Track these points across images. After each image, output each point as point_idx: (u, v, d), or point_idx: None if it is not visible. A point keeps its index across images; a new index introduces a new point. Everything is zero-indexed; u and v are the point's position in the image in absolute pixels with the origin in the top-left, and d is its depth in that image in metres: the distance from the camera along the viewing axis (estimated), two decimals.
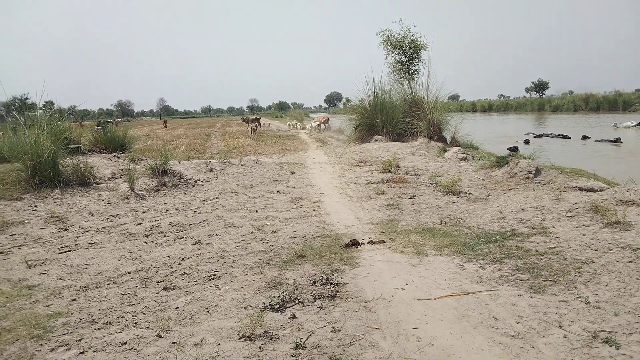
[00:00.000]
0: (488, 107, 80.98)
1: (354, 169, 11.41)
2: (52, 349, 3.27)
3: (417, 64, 18.01)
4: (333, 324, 3.47)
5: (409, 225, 6.28)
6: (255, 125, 28.49)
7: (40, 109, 11.52)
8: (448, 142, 14.61)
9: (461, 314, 3.60)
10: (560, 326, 3.32)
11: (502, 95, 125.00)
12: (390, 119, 15.55)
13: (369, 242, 5.48)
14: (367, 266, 4.72)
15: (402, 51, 17.96)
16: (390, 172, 10.23)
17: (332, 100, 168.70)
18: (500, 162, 9.62)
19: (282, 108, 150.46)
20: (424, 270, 4.59)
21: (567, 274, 4.24)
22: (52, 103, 13.54)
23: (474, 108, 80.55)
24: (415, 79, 17.79)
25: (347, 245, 5.37)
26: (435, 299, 3.91)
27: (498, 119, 52.64)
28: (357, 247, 5.32)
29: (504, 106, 79.15)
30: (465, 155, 11.78)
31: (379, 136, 15.68)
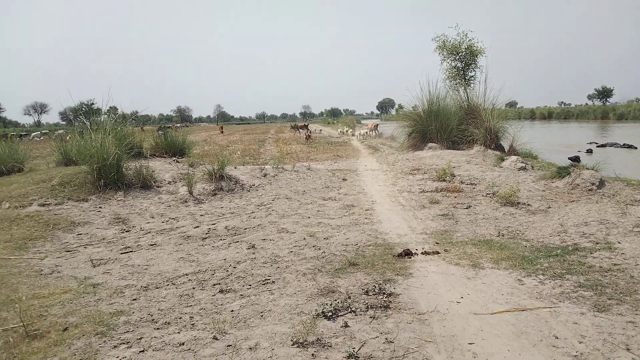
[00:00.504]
0: (548, 115, 77.77)
1: (407, 177, 11.28)
2: (115, 346, 3.42)
3: (474, 70, 17.66)
4: (386, 335, 3.44)
5: (465, 236, 6.14)
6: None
7: (105, 114, 12.11)
8: (506, 150, 14.18)
9: (519, 331, 3.48)
10: (628, 349, 3.14)
11: (562, 102, 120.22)
12: (445, 126, 15.27)
13: (422, 253, 5.40)
14: (421, 277, 4.65)
15: (458, 57, 17.66)
16: (444, 180, 10.05)
17: (385, 106, 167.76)
18: (562, 172, 9.24)
19: (334, 114, 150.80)
20: (481, 283, 4.47)
21: (635, 293, 4.01)
22: (115, 108, 14.19)
23: (532, 116, 77.65)
24: (472, 85, 17.44)
25: (400, 255, 5.31)
26: (492, 314, 3.80)
27: (558, 128, 50.52)
28: (410, 258, 5.26)
29: (565, 114, 75.75)
30: (524, 164, 11.39)
31: (433, 144, 15.44)
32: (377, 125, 31.28)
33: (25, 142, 18.33)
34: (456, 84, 17.73)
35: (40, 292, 4.56)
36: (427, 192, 9.14)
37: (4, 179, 10.52)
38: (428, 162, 13.06)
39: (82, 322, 3.86)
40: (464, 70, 17.73)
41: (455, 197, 8.55)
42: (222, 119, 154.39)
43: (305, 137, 26.21)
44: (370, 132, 29.11)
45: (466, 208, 7.67)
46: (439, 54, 17.95)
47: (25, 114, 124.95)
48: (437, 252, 5.41)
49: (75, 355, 3.29)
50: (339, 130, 37.24)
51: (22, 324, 3.68)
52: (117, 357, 3.26)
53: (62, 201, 8.31)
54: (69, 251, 6.06)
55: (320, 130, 40.06)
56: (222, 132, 42.37)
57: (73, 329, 3.71)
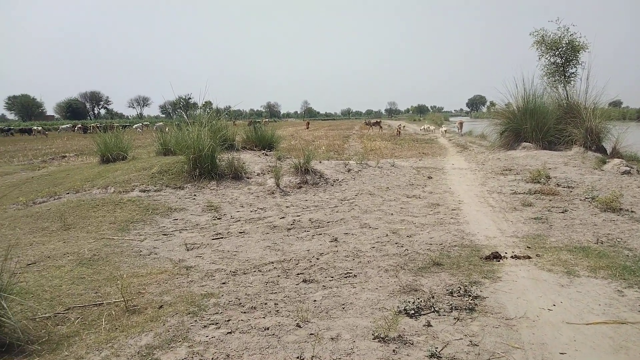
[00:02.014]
0: None
1: (498, 177, 10.81)
2: (205, 326, 3.62)
3: (575, 67, 16.52)
4: (470, 338, 3.34)
5: (559, 241, 5.77)
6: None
7: (200, 108, 12.79)
8: (608, 153, 13.15)
9: (618, 345, 3.23)
10: None
11: None
12: (541, 125, 14.44)
13: (512, 257, 5.15)
14: (510, 282, 4.45)
15: (557, 53, 16.61)
16: (538, 182, 9.51)
17: (475, 103, 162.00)
18: None
19: (420, 111, 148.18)
20: (575, 292, 4.19)
21: None
22: (210, 103, 14.92)
23: (639, 116, 70.75)
24: (572, 82, 16.33)
25: (487, 258, 5.11)
26: (587, 324, 3.55)
27: None
28: (499, 261, 5.04)
29: None
30: (628, 168, 10.49)
31: (527, 143, 14.67)
32: (462, 123, 30.69)
33: (127, 132, 19.82)
34: (554, 81, 16.72)
35: (139, 271, 4.93)
36: (519, 193, 8.70)
37: (109, 165, 11.48)
38: (521, 162, 12.43)
39: (175, 301, 4.12)
40: (563, 67, 16.65)
41: (550, 200, 8.06)
42: (309, 114, 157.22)
43: (396, 133, 26.48)
44: (458, 130, 28.68)
45: (562, 212, 7.20)
46: (537, 49, 16.99)
47: (129, 107, 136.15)
48: (528, 257, 5.14)
49: (169, 331, 3.52)
50: (421, 127, 36.92)
51: (123, 299, 4.01)
52: (207, 336, 3.44)
53: (161, 188, 8.91)
54: (165, 235, 6.48)
55: (404, 126, 39.51)
56: (307, 127, 43.27)
57: (167, 307, 3.98)
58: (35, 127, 49.55)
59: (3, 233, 6.53)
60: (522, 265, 4.90)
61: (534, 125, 14.53)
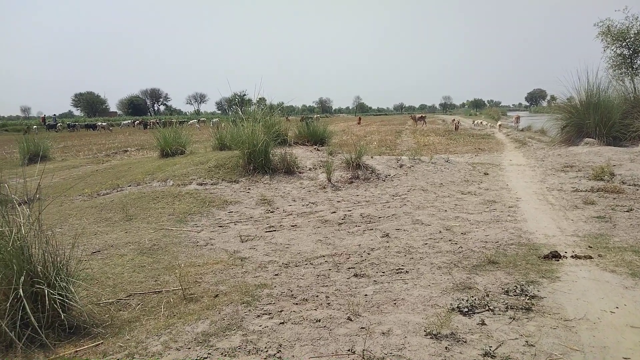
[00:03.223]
0: None
1: (558, 174, 10.38)
2: (258, 316, 3.72)
3: None
4: (527, 338, 3.24)
5: (624, 242, 5.47)
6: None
7: (255, 104, 13.01)
8: None
9: None
10: None
11: None
12: (606, 119, 13.70)
13: (572, 256, 4.95)
14: (569, 282, 4.27)
15: (625, 43, 15.72)
16: (602, 180, 9.05)
17: (535, 97, 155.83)
18: None
19: (476, 106, 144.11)
20: None
21: None
22: (264, 99, 15.17)
23: None
24: None
25: (546, 257, 4.93)
26: None
27: None
28: (558, 260, 4.85)
29: None
30: None
31: (590, 139, 13.97)
32: (519, 117, 29.97)
33: (185, 128, 20.55)
34: (621, 74, 15.84)
35: (196, 261, 5.12)
36: (581, 191, 8.31)
37: (169, 160, 11.93)
38: (583, 158, 11.88)
39: (230, 290, 4.25)
40: (631, 59, 15.76)
41: (614, 198, 7.65)
42: (361, 110, 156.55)
43: (454, 128, 26.33)
44: (515, 124, 28.18)
45: (627, 211, 6.82)
46: (602, 40, 16.17)
47: (187, 103, 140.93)
48: (590, 257, 4.92)
49: (224, 319, 3.64)
50: (473, 121, 36.50)
51: (180, 287, 4.18)
52: (260, 325, 3.53)
53: (217, 182, 9.18)
54: (221, 226, 6.68)
55: (458, 121, 38.66)
56: (359, 123, 43.16)
57: (223, 297, 4.11)
58: (99, 123, 52.16)
59: (70, 223, 6.94)
60: (583, 266, 4.70)
61: (598, 120, 13.82)
